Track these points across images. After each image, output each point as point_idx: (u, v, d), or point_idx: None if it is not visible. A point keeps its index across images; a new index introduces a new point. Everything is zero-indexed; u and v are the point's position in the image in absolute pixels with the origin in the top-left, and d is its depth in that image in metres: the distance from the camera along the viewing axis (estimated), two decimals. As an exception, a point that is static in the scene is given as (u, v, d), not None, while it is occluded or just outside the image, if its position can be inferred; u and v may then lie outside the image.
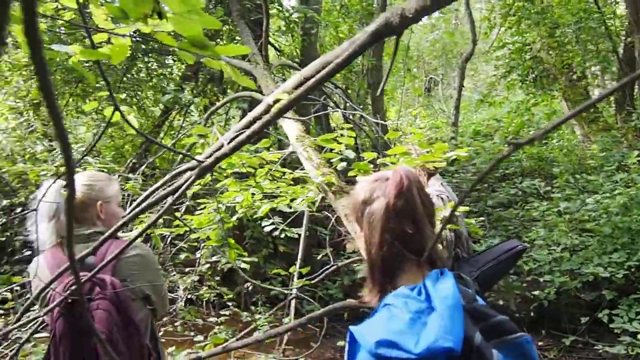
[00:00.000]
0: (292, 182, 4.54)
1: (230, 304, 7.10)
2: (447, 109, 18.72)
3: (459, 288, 1.77)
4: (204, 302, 7.98)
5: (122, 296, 2.51)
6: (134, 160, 8.93)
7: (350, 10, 12.47)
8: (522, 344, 1.68)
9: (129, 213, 2.61)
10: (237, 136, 3.03)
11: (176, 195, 2.25)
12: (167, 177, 3.33)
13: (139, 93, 9.55)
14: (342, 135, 3.45)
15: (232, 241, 4.05)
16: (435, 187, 5.39)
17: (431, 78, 24.59)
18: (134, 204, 3.36)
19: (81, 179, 2.85)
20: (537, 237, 8.12)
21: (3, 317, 6.34)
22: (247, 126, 3.05)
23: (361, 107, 12.44)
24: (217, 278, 7.95)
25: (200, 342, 5.32)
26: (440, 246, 4.44)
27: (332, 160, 3.72)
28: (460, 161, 11.70)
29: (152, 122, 10.56)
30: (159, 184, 3.11)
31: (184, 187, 2.25)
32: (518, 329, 1.73)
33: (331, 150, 3.67)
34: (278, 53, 11.20)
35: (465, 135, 14.95)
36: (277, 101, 2.87)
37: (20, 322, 2.75)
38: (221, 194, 4.19)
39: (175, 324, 7.10)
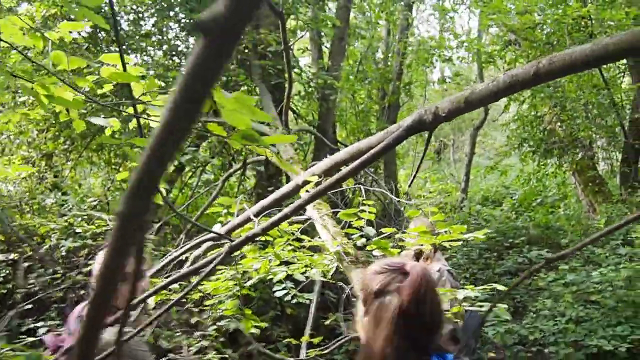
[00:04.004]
0: (308, 250, 4.62)
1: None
2: (456, 173, 18.90)
3: None
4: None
5: None
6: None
7: (367, 77, 12.71)
8: None
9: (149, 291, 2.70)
10: (262, 211, 3.16)
11: (205, 272, 2.36)
12: (187, 246, 3.43)
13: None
14: (363, 210, 3.56)
15: (249, 312, 4.12)
16: (442, 262, 5.48)
17: (441, 141, 24.83)
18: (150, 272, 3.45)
19: None
20: (543, 307, 8.16)
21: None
22: (274, 203, 3.16)
23: (373, 170, 12.57)
24: (222, 339, 7.91)
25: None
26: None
27: (353, 236, 3.82)
28: (470, 229, 11.79)
29: (165, 179, 10.66)
30: (177, 253, 3.21)
31: (212, 264, 2.37)
32: None
33: (350, 224, 3.77)
34: (296, 116, 11.40)
35: (473, 201, 15.08)
36: (306, 182, 2.99)
37: None
38: (240, 259, 4.28)
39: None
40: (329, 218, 4.77)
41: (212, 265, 2.39)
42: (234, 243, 2.35)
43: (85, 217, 8.11)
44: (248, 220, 3.18)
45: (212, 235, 3.24)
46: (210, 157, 8.51)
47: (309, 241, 4.55)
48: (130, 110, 2.84)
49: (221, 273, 4.47)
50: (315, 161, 9.02)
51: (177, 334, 7.61)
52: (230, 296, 4.23)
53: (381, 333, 1.85)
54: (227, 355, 7.35)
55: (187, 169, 10.11)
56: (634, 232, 8.25)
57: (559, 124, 12.75)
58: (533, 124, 12.86)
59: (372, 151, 2.11)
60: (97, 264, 2.93)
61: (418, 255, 5.47)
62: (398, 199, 7.07)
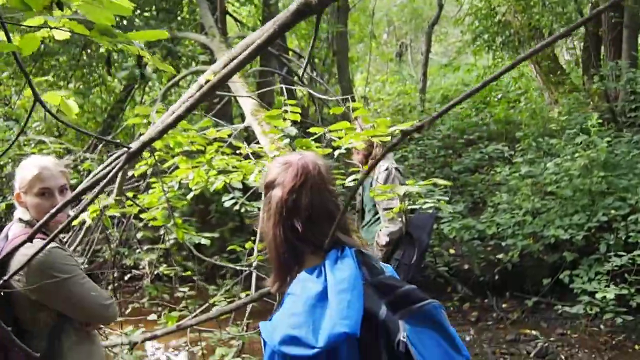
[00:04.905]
0: (248, 157, 4.50)
1: (196, 278, 7.07)
2: (415, 74, 18.68)
3: (361, 264, 1.78)
4: (174, 277, 7.89)
5: None
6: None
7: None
8: (430, 310, 1.73)
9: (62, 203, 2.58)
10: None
11: (104, 182, 2.25)
12: (106, 162, 3.32)
13: (99, 69, 9.39)
14: (286, 111, 3.44)
15: (180, 221, 4.04)
16: (390, 160, 5.46)
17: (402, 43, 24.45)
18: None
19: None
20: (500, 202, 8.18)
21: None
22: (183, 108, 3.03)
23: (327, 75, 12.38)
24: (184, 253, 7.88)
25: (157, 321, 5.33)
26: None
27: (276, 137, 3.71)
28: (426, 127, 11.68)
29: (114, 98, 10.41)
30: (98, 169, 3.10)
31: (111, 173, 2.25)
32: (426, 296, 1.75)
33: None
34: (239, 24, 11.06)
35: (433, 100, 14.95)
36: (208, 82, 2.86)
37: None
38: (173, 172, 4.18)
39: (142, 300, 7.07)
40: (268, 125, 4.65)
41: (112, 172, 2.28)
42: (131, 150, 2.23)
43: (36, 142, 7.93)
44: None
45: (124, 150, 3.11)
46: (152, 71, 8.27)
47: (246, 148, 4.44)
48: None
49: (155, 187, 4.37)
50: (267, 69, 8.83)
51: (137, 250, 7.58)
52: (165, 208, 4.13)
53: (269, 224, 1.86)
54: (185, 266, 7.33)
55: (135, 86, 9.86)
56: (590, 119, 8.19)
57: (515, 14, 12.53)
58: (487, 17, 12.62)
59: (258, 41, 1.98)
60: (19, 177, 2.86)
61: (367, 156, 5.45)
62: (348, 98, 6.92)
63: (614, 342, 6.49)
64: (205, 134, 3.81)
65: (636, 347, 6.40)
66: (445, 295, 7.95)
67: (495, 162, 9.95)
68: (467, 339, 6.92)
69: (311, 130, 3.55)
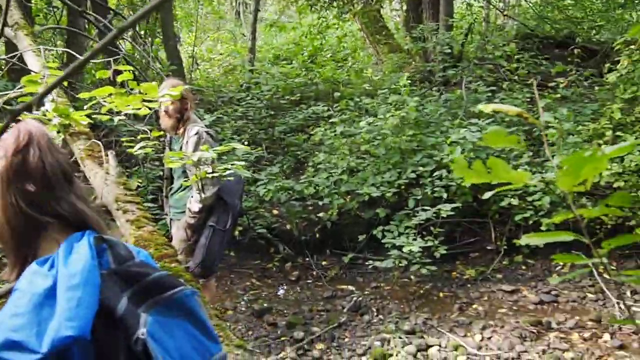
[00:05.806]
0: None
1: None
2: (249, 33, 18.49)
3: (104, 251, 1.61)
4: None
5: None
6: None
7: None
8: (182, 298, 1.60)
9: None
10: None
11: None
12: None
13: None
14: (42, 77, 3.23)
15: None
16: (200, 124, 5.30)
17: (242, 1, 24.05)
18: None
19: None
20: (320, 161, 8.27)
21: None
22: None
23: (150, 37, 11.97)
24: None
25: None
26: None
27: (19, 105, 3.45)
28: (253, 88, 11.60)
29: None
30: None
31: None
32: (178, 283, 1.62)
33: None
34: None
35: (264, 60, 14.84)
36: None
37: None
38: None
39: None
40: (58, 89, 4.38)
41: None
42: None
43: None
44: None
45: None
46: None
47: (26, 115, 4.17)
48: None
49: None
50: (72, 28, 8.37)
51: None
52: None
53: None
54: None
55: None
56: (401, 79, 8.43)
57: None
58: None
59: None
60: None
61: (179, 119, 5.25)
62: (159, 66, 6.70)
63: (421, 292, 6.85)
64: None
65: (440, 294, 6.78)
66: (267, 256, 8.01)
67: (320, 122, 10.02)
68: (291, 298, 7.02)
69: (81, 95, 3.35)
